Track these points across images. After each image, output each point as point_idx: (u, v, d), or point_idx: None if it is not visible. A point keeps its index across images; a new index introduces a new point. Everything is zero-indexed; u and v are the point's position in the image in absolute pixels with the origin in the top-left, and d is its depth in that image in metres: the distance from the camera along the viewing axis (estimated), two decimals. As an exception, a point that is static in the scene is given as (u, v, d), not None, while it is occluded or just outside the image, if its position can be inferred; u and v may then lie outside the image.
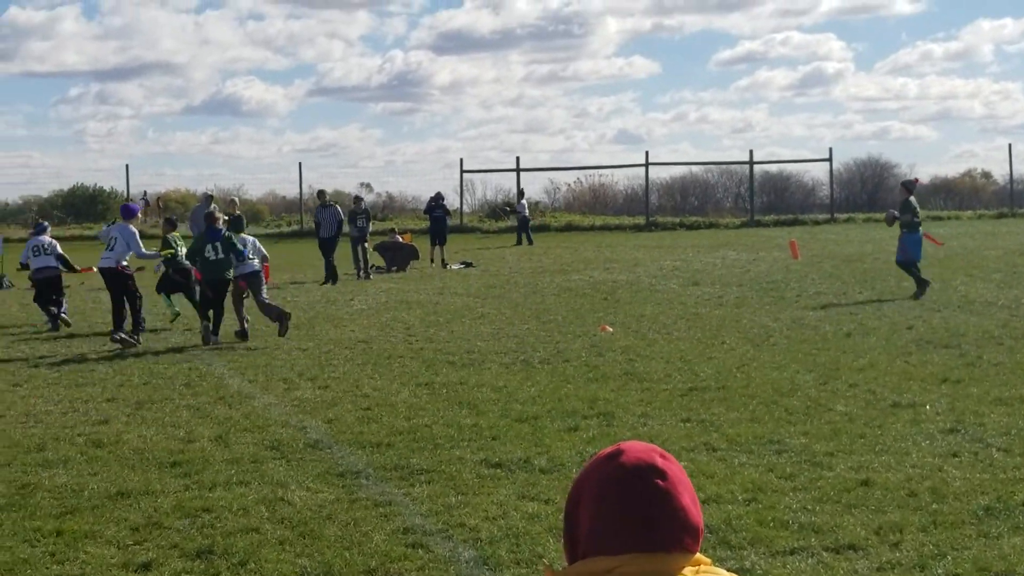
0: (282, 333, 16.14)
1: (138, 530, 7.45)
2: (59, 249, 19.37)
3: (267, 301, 16.76)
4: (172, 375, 13.52)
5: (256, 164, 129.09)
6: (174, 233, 18.62)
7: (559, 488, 8.16)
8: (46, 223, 20.79)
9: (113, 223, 18.58)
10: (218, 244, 16.18)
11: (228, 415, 11.07)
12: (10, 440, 10.06)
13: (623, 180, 69.16)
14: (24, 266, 19.79)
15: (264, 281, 17.23)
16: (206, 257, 16.20)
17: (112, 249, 16.35)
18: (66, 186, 76.16)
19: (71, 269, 19.62)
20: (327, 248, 26.36)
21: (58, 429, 10.55)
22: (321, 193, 29.52)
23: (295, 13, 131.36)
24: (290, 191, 57.58)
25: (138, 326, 16.40)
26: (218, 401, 11.81)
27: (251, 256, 16.90)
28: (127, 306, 16.40)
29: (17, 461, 9.31)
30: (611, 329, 16.39)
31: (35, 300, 19.01)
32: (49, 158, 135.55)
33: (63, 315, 18.52)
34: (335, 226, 26.72)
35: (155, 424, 10.72)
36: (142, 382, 13.09)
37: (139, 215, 17.55)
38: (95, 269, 18.34)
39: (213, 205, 22.20)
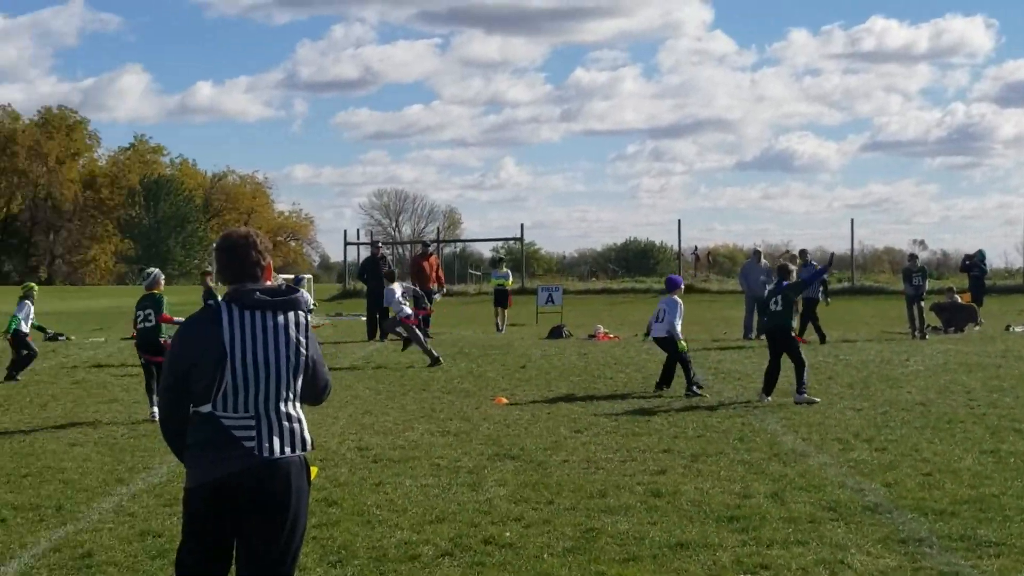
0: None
1: (698, 582, 7.48)
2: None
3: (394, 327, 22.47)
4: (726, 429, 13.59)
5: (805, 219, 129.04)
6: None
7: None
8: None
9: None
10: (779, 297, 16.16)
11: (783, 472, 10.95)
12: (575, 485, 10.45)
13: None
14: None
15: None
16: (771, 309, 16.25)
17: (660, 320, 17.35)
18: (619, 240, 79.43)
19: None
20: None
21: (618, 477, 10.85)
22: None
23: (852, 68, 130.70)
24: (840, 247, 56.99)
25: (690, 383, 16.86)
26: (772, 458, 11.71)
27: (403, 302, 22.31)
28: (679, 366, 17.12)
29: (581, 505, 9.65)
30: None
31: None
32: (604, 212, 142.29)
33: None
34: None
35: (711, 477, 10.78)
36: (696, 435, 13.23)
37: (681, 285, 18.08)
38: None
39: (773, 260, 22.37)
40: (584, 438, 13.10)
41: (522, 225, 54.30)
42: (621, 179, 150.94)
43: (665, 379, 17.29)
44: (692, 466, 11.34)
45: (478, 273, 62.81)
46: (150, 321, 15.38)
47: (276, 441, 5.22)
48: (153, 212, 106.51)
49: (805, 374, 15.88)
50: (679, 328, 17.18)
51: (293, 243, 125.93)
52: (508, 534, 8.70)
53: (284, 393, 5.27)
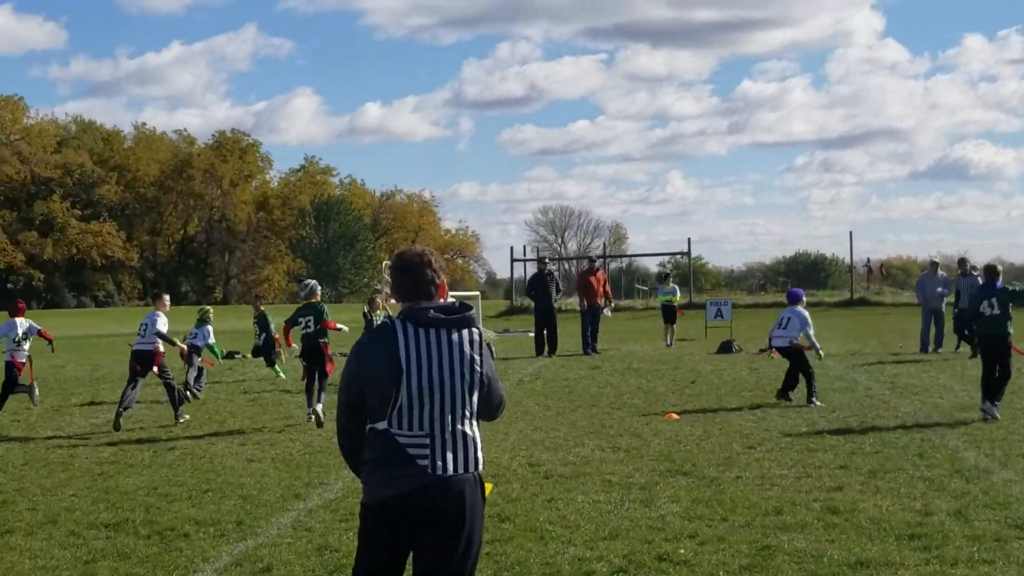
0: None
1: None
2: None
3: None
4: (904, 445, 13.24)
5: (982, 229, 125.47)
6: None
7: None
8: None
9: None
10: (993, 300, 15.54)
11: (965, 489, 10.61)
12: (749, 501, 10.28)
13: None
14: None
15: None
16: (981, 312, 15.64)
17: (783, 327, 17.92)
18: (788, 253, 78.30)
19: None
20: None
21: (793, 493, 10.64)
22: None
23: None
24: (1019, 257, 55.19)
25: (812, 394, 17.31)
26: (954, 474, 11.36)
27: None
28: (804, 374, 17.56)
29: (756, 522, 9.48)
30: None
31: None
32: (773, 225, 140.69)
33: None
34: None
35: (890, 494, 10.50)
36: (873, 451, 12.91)
37: (803, 298, 18.47)
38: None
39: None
40: (757, 454, 12.90)
41: (689, 239, 54.07)
42: (790, 191, 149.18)
43: (789, 385, 17.63)
44: (870, 482, 11.07)
45: (645, 288, 62.61)
46: (310, 328, 16.83)
47: (450, 459, 5.23)
48: (323, 232, 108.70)
49: (1005, 387, 15.33)
50: (813, 336, 17.74)
51: (460, 260, 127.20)
52: (682, 551, 8.60)
53: (459, 411, 5.29)
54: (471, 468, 5.29)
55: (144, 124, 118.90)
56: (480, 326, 5.56)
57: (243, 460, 13.33)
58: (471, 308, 5.44)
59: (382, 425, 5.24)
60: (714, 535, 9.08)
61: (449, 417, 5.26)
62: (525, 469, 12.19)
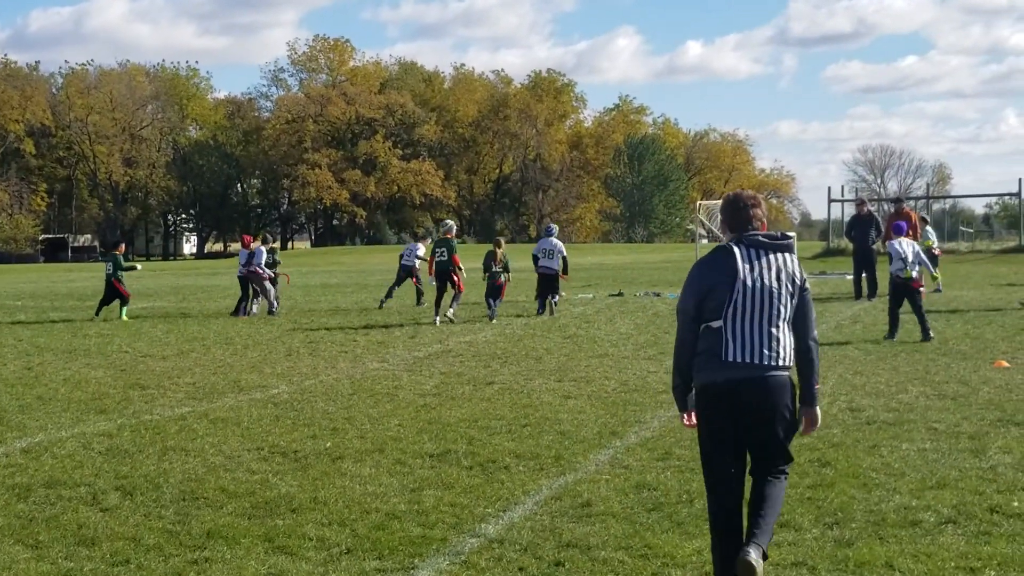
0: None
1: None
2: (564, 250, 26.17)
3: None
4: None
5: None
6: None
7: None
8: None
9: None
10: None
11: None
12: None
13: None
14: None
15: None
16: None
17: None
18: None
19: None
20: None
21: None
22: None
23: None
24: None
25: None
26: None
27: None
28: None
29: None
30: None
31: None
32: None
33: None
34: None
35: None
36: None
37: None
38: None
39: None
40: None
41: (1021, 179, 50.89)
42: None
43: None
44: None
45: (970, 231, 60.04)
46: (444, 257, 23.28)
47: (772, 355, 6.21)
48: (637, 171, 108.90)
49: None
50: None
51: (774, 200, 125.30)
52: (1016, 503, 8.19)
53: (782, 314, 6.26)
54: (787, 363, 6.26)
55: (463, 65, 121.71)
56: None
57: (559, 396, 13.51)
58: (791, 237, 6.40)
59: (717, 323, 6.27)
60: (1051, 490, 8.60)
61: (774, 318, 6.25)
62: (846, 414, 11.87)
